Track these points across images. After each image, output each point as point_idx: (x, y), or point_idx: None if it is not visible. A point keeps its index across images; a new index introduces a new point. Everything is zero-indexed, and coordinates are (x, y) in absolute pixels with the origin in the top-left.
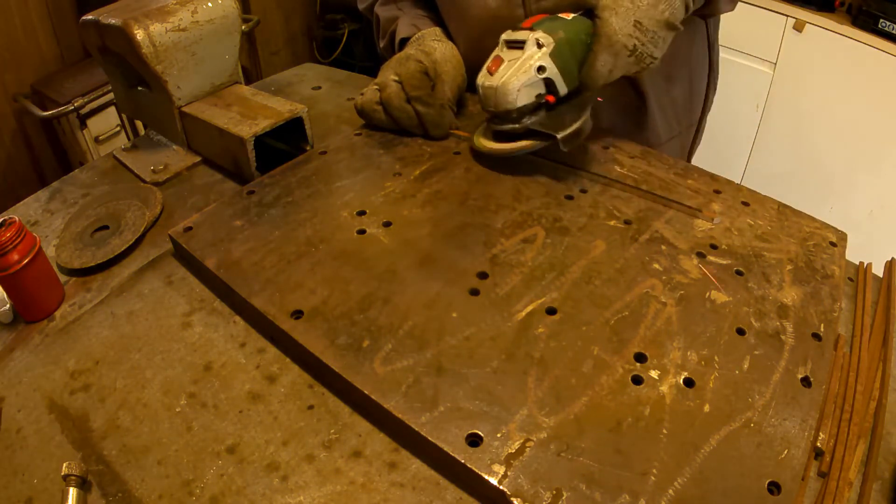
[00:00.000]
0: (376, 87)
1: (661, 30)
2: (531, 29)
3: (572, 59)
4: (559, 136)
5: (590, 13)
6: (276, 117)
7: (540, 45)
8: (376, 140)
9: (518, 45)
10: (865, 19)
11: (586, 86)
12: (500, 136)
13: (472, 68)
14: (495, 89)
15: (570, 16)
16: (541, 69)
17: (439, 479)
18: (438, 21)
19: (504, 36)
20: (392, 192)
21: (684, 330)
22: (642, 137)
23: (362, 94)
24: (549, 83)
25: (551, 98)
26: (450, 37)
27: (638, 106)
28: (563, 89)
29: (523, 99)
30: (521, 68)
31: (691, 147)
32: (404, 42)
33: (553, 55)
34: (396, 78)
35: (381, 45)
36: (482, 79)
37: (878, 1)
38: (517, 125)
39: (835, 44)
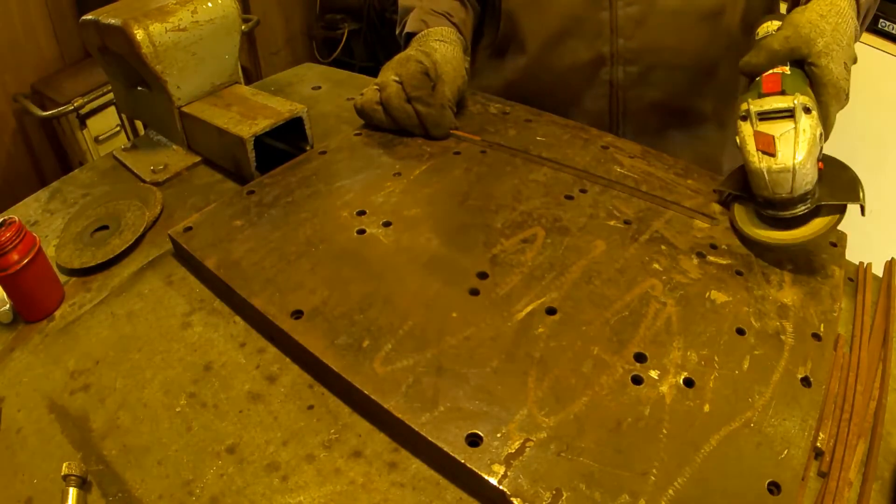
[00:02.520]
0: (376, 87)
1: (851, 66)
2: (782, 93)
3: None
4: (862, 202)
5: (797, 62)
6: (275, 117)
7: (808, 111)
8: (376, 140)
9: (778, 115)
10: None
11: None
12: (772, 221)
13: (545, 67)
14: (793, 172)
15: (788, 69)
16: (821, 136)
17: (439, 479)
18: (457, 15)
19: (753, 108)
20: (392, 192)
21: (684, 330)
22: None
23: (362, 94)
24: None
25: (821, 164)
26: (472, 38)
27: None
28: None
29: (816, 174)
30: (808, 141)
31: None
32: (410, 37)
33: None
34: (397, 78)
35: (397, 31)
36: (764, 163)
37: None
38: (808, 205)
39: None
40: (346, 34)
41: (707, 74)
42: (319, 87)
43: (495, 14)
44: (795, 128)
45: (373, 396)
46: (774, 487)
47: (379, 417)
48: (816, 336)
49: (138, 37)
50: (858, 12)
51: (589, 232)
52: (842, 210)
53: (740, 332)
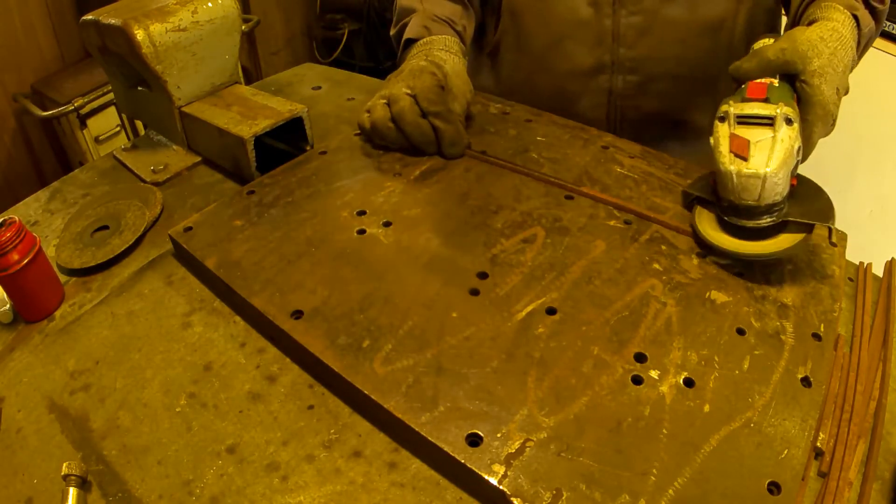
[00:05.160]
0: (384, 101)
1: (843, 96)
2: (766, 100)
3: None
4: (832, 224)
5: (788, 78)
6: (276, 117)
7: (789, 122)
8: None
9: (758, 121)
10: None
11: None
12: (737, 231)
13: (544, 68)
14: (763, 179)
15: (776, 82)
16: (799, 151)
17: (439, 479)
18: (459, 22)
19: (734, 110)
20: (392, 191)
21: (684, 330)
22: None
23: (369, 112)
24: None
25: (794, 181)
26: (476, 40)
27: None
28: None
29: (787, 187)
30: (784, 151)
31: None
32: (410, 43)
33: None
34: (409, 91)
35: (392, 32)
36: (734, 165)
37: None
38: (774, 218)
39: None
40: (346, 34)
41: (706, 88)
42: (319, 87)
43: (495, 12)
44: (774, 136)
45: (373, 396)
46: (774, 487)
47: (379, 417)
48: (816, 336)
49: (138, 37)
50: (859, 43)
51: (589, 232)
52: (809, 229)
53: (740, 332)
